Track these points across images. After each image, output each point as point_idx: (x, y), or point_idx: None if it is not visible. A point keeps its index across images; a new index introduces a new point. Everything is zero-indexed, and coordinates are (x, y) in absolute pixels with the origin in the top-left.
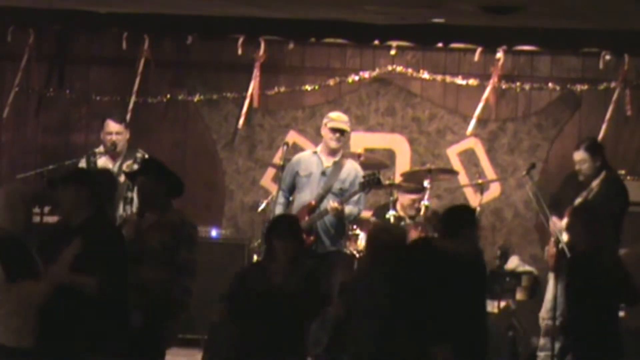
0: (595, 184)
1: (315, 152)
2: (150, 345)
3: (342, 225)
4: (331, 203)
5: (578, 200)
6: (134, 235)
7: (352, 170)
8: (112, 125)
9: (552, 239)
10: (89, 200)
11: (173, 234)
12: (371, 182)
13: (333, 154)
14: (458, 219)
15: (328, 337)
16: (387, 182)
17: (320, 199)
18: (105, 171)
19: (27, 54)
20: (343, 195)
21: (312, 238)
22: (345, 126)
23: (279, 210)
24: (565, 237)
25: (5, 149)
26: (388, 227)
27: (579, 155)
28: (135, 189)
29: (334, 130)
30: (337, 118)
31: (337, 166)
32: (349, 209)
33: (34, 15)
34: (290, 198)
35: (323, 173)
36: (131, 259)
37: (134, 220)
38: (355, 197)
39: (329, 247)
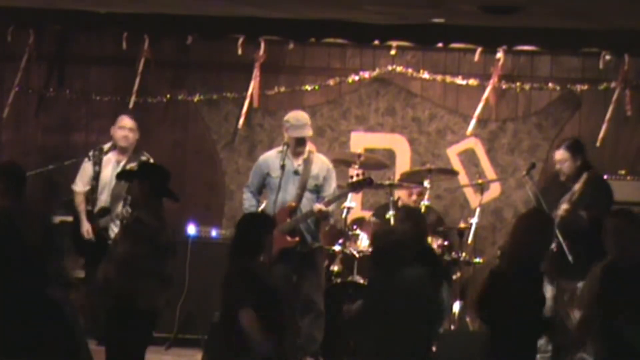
0: (577, 186)
1: (281, 152)
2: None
3: (318, 221)
4: (317, 205)
5: (564, 207)
6: (117, 238)
7: (322, 164)
8: (126, 120)
9: None
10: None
11: (134, 234)
12: (363, 184)
13: (300, 152)
14: None
15: (322, 334)
16: (387, 182)
17: (299, 199)
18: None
19: (27, 54)
20: (318, 192)
21: (297, 239)
22: (304, 133)
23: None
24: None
25: (5, 149)
26: (391, 229)
27: (560, 154)
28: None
29: (296, 139)
30: (296, 123)
31: (308, 163)
32: (331, 207)
33: (34, 15)
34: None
35: (295, 172)
36: (109, 260)
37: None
38: (334, 195)
39: (313, 245)
